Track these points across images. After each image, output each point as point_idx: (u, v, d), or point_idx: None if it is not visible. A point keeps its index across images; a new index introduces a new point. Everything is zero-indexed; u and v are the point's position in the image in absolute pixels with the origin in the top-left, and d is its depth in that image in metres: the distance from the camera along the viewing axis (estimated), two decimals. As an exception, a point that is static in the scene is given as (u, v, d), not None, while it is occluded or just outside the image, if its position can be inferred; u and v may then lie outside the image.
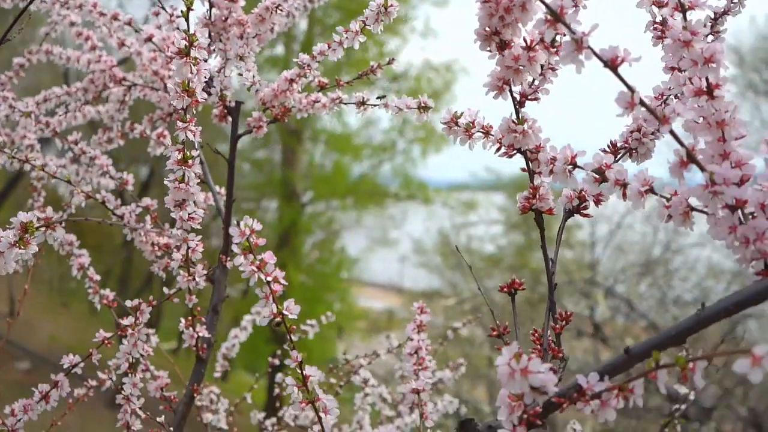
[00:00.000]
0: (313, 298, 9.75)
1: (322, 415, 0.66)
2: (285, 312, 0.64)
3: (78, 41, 1.23)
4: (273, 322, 0.64)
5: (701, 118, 0.54)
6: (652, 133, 0.68)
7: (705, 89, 0.54)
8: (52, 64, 1.31)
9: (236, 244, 0.62)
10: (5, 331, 0.99)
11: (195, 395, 1.00)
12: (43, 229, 0.67)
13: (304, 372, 0.66)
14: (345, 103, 0.99)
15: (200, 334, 0.99)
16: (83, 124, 1.35)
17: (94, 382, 1.14)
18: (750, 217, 0.53)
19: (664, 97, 0.70)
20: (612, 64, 0.52)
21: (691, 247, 6.87)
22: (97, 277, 1.11)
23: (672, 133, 0.52)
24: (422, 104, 0.85)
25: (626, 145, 0.69)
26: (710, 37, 0.73)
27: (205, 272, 0.92)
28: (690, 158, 0.52)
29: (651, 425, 6.02)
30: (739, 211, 0.53)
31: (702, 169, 0.52)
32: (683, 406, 1.10)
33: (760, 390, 5.99)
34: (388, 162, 11.79)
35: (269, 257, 0.64)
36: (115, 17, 1.11)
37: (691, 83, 0.56)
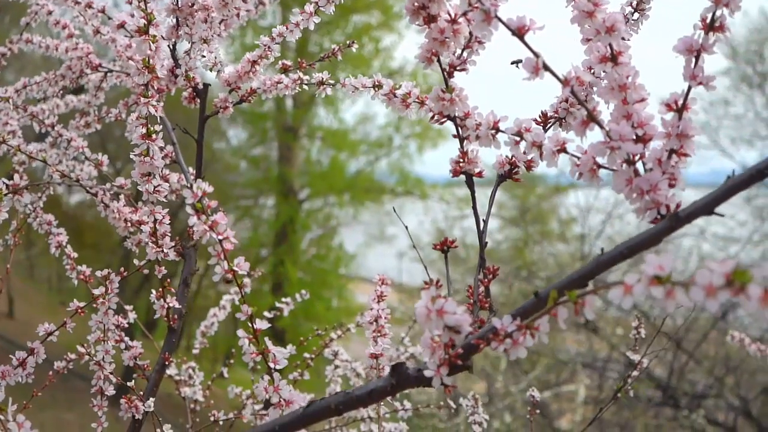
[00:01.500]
0: (311, 295, 9.79)
1: (271, 365, 0.71)
2: (235, 268, 0.69)
3: (56, 30, 1.28)
4: (224, 278, 0.69)
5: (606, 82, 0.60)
6: (580, 103, 0.73)
7: (609, 56, 0.59)
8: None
9: (189, 204, 0.67)
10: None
11: (167, 363, 1.05)
12: (10, 195, 0.72)
13: (254, 325, 0.71)
14: (307, 84, 1.04)
15: (171, 305, 1.04)
16: (66, 112, 1.41)
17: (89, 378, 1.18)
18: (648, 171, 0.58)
19: (592, 69, 0.75)
20: (519, 32, 0.57)
21: (682, 237, 6.93)
22: (75, 255, 1.16)
23: (574, 94, 0.57)
24: (376, 83, 0.90)
25: (555, 115, 0.74)
26: (636, 15, 0.78)
27: (173, 244, 0.97)
28: (591, 118, 0.57)
29: (641, 416, 6.08)
30: (640, 165, 0.59)
31: (601, 127, 0.57)
32: (635, 372, 1.15)
33: (750, 379, 6.05)
34: (384, 158, 11.85)
35: (221, 218, 0.69)
36: (89, 5, 1.15)
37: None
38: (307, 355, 1.38)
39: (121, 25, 1.10)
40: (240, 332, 0.71)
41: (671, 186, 0.57)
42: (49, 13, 1.26)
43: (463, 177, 0.74)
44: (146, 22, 0.78)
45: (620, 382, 1.13)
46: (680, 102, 0.58)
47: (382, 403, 1.18)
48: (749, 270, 0.38)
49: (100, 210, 1.09)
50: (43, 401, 1.12)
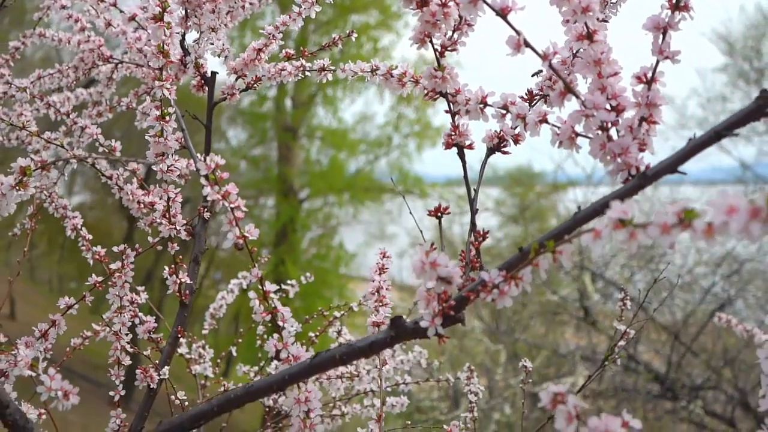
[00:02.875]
0: (311, 294, 9.84)
1: (280, 323, 0.77)
2: (246, 234, 0.75)
3: (68, 23, 1.34)
4: (236, 244, 0.75)
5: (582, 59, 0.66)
6: (557, 75, 0.80)
7: (585, 34, 0.66)
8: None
9: (203, 176, 0.73)
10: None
11: (179, 336, 1.11)
12: (39, 170, 0.78)
13: (264, 288, 0.77)
14: (308, 71, 1.10)
15: (183, 281, 1.10)
16: (76, 105, 1.47)
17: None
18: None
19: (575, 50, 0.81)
20: (503, 12, 0.63)
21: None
22: (89, 236, 1.22)
23: (552, 68, 0.63)
24: (374, 68, 0.96)
25: (540, 92, 0.80)
26: (614, -1, 0.84)
27: (184, 221, 1.03)
28: (567, 89, 0.63)
29: (640, 408, 6.14)
30: (613, 132, 0.65)
31: (577, 97, 0.63)
32: (622, 342, 1.21)
33: (747, 370, 6.11)
34: (384, 157, 11.91)
35: (232, 188, 0.75)
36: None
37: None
38: (312, 333, 1.44)
39: (132, 18, 1.16)
40: (251, 294, 0.77)
41: (641, 150, 0.63)
42: (63, 7, 1.32)
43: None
44: (161, 10, 0.84)
45: (608, 351, 1.19)
46: (649, 75, 0.64)
47: (384, 378, 1.24)
48: (696, 209, 0.44)
49: (115, 192, 1.15)
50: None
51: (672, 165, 0.59)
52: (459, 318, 0.68)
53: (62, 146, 1.11)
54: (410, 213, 1.11)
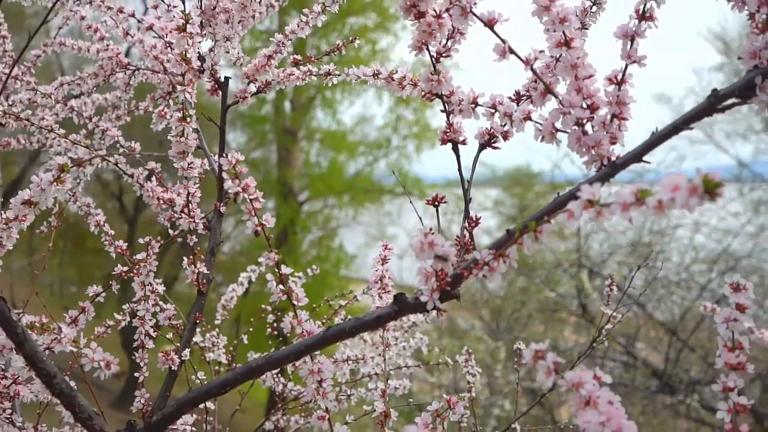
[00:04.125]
0: (312, 295, 9.89)
1: (295, 302, 0.86)
2: (264, 222, 0.84)
3: (88, 33, 1.43)
4: (255, 231, 0.84)
5: (561, 62, 0.75)
6: (538, 78, 0.88)
7: (563, 41, 0.75)
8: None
9: (225, 170, 0.82)
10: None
11: (197, 322, 1.20)
12: (76, 167, 0.87)
13: (280, 271, 0.86)
14: (315, 75, 1.19)
15: (200, 271, 1.19)
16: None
17: (111, 322, 1.33)
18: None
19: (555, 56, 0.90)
20: (490, 24, 0.72)
21: (674, 228, 7.07)
22: (112, 232, 1.31)
23: (534, 72, 0.72)
24: (376, 72, 1.05)
25: (527, 93, 0.89)
26: (594, 7, 0.93)
27: (203, 215, 1.12)
28: (547, 90, 0.72)
29: (638, 403, 6.23)
30: (589, 127, 0.74)
31: (556, 97, 0.72)
32: (609, 326, 1.30)
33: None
34: (383, 159, 12.01)
35: (251, 181, 0.84)
36: (120, 10, 1.31)
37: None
38: (318, 322, 1.52)
39: (150, 27, 1.26)
40: (269, 276, 0.86)
41: (613, 143, 0.72)
42: (82, 18, 1.41)
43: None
44: (185, 21, 0.93)
45: (596, 334, 1.28)
46: (619, 77, 0.73)
47: (387, 361, 1.32)
48: (649, 190, 0.53)
49: (136, 190, 1.23)
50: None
51: (638, 155, 0.68)
52: (455, 294, 0.76)
53: (87, 147, 1.19)
54: (415, 211, 1.19)
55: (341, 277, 11.44)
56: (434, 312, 0.77)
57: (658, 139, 0.67)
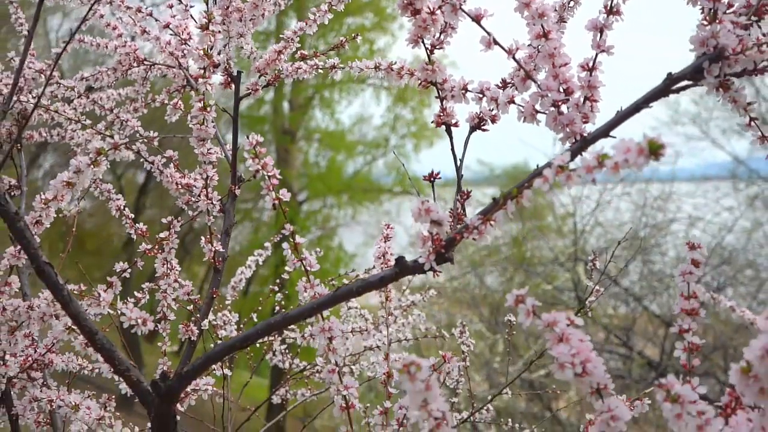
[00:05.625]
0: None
1: (308, 268, 0.97)
2: (281, 196, 0.95)
3: (107, 31, 1.53)
4: (273, 204, 0.95)
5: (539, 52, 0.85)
6: (520, 66, 0.99)
7: (542, 34, 0.85)
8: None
9: (246, 151, 0.93)
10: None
11: (214, 296, 1.31)
12: (112, 150, 0.97)
13: (295, 240, 0.97)
14: (321, 69, 1.30)
15: (217, 249, 1.29)
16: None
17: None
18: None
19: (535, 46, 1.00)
20: (477, 18, 0.83)
21: (670, 223, 7.19)
22: (132, 215, 1.41)
23: (515, 60, 0.83)
24: (377, 64, 1.15)
25: (511, 80, 1.00)
26: (572, 2, 1.04)
27: (220, 197, 1.22)
28: (527, 76, 0.83)
29: (635, 394, 6.34)
30: (565, 108, 0.84)
31: (535, 82, 0.83)
32: (592, 299, 1.40)
33: (736, 355, 6.32)
34: (381, 158, 12.12)
35: (269, 160, 0.94)
36: (138, 10, 1.41)
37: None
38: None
39: (167, 26, 1.36)
40: (285, 245, 0.97)
41: (585, 122, 0.83)
42: (101, 16, 1.51)
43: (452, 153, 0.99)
44: (207, 20, 1.04)
45: (579, 306, 1.38)
46: (590, 64, 0.84)
47: (390, 334, 1.43)
48: (607, 153, 0.64)
49: (156, 175, 1.34)
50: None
51: (605, 132, 0.79)
52: (449, 257, 0.87)
53: (111, 137, 1.30)
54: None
55: (341, 276, 11.51)
56: (431, 273, 0.88)
57: (622, 117, 0.78)
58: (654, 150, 0.59)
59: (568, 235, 9.10)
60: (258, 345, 1.73)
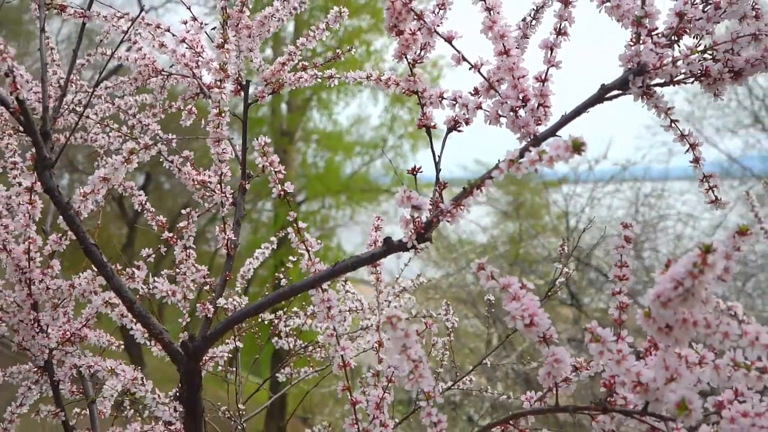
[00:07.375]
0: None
1: (310, 248, 1.14)
2: (286, 188, 1.12)
3: (127, 44, 1.71)
4: (279, 195, 1.13)
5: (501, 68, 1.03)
6: (484, 78, 1.17)
7: (503, 51, 1.03)
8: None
9: (256, 150, 1.10)
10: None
11: (227, 279, 1.48)
12: (143, 150, 1.15)
13: (298, 225, 1.14)
14: (320, 78, 1.48)
15: (230, 237, 1.47)
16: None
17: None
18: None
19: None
20: (449, 39, 1.00)
21: (661, 220, 7.38)
22: (153, 209, 1.59)
23: (480, 73, 1.01)
24: (369, 75, 1.33)
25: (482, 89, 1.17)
26: (533, 21, 1.22)
27: (232, 191, 1.40)
28: (490, 86, 1.01)
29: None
30: (522, 113, 1.02)
31: (497, 91, 1.01)
32: (562, 279, 1.57)
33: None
34: (379, 158, 12.29)
35: (276, 158, 1.12)
36: (158, 26, 1.59)
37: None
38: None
39: (183, 40, 1.54)
40: (289, 228, 1.14)
41: (538, 124, 1.01)
42: (124, 32, 1.69)
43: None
44: (223, 41, 1.22)
45: (550, 286, 1.56)
46: (543, 76, 1.02)
47: (382, 311, 1.60)
48: (545, 149, 0.82)
49: (174, 172, 1.52)
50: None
51: (551, 132, 0.97)
52: (428, 237, 1.04)
53: (135, 139, 1.48)
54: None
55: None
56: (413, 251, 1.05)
57: (563, 121, 0.96)
58: (577, 147, 0.77)
59: (563, 234, 9.28)
60: (266, 323, 1.91)
